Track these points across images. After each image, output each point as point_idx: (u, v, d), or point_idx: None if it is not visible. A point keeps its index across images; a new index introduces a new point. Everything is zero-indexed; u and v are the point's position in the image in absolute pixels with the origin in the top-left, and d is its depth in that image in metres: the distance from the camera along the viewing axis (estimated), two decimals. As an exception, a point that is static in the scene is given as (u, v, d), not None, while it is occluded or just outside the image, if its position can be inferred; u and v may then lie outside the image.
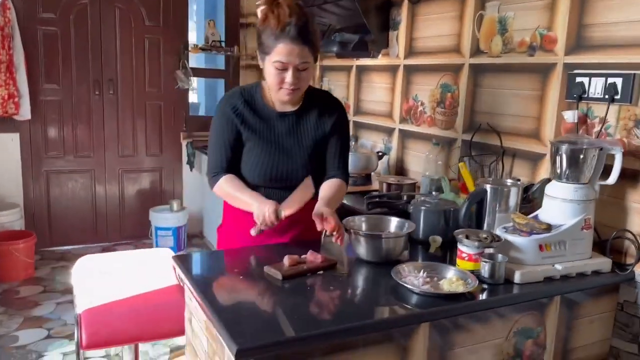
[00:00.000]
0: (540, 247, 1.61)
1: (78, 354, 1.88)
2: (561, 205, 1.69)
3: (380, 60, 3.15)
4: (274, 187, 1.77)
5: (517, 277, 1.54)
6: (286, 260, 1.53)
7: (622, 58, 1.80)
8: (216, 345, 1.33)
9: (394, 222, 1.77)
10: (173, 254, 2.13)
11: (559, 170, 1.73)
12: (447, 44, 2.62)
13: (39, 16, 4.02)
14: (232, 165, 1.76)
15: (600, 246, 1.78)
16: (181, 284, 2.09)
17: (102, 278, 2.11)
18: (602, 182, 1.74)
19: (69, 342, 2.87)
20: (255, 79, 4.85)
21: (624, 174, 1.73)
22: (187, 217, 4.41)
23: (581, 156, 1.68)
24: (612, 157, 1.72)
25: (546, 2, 2.08)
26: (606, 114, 1.83)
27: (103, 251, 4.21)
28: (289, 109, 1.78)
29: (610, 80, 1.81)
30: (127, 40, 4.33)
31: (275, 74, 1.63)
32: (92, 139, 4.34)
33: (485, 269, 1.51)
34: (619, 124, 1.81)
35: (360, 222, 1.76)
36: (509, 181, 1.92)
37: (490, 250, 1.54)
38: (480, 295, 1.47)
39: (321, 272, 1.53)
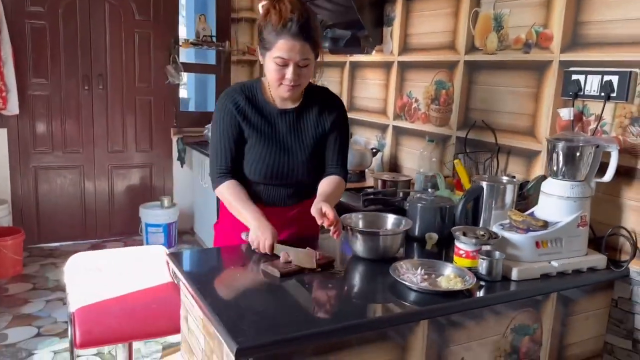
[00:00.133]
0: (537, 244, 1.61)
1: (72, 353, 1.85)
2: (557, 202, 1.70)
3: (374, 57, 3.14)
4: (274, 184, 1.76)
5: (514, 274, 1.55)
6: (282, 257, 1.53)
7: (618, 56, 1.80)
8: (214, 343, 1.32)
9: (390, 219, 1.76)
10: (166, 251, 2.11)
11: (555, 168, 1.73)
12: (442, 41, 2.61)
13: (26, 9, 3.95)
14: (236, 163, 1.74)
15: (595, 243, 1.79)
16: (175, 282, 2.07)
17: (95, 276, 2.08)
18: (598, 180, 1.75)
19: (59, 340, 2.84)
20: (246, 74, 4.82)
21: (619, 171, 1.74)
22: (178, 214, 4.38)
23: (577, 153, 1.69)
24: (608, 154, 1.73)
25: (542, -1, 2.08)
26: (602, 112, 1.83)
27: (92, 248, 4.17)
28: (290, 105, 1.76)
29: (606, 77, 1.81)
30: (116, 34, 4.27)
31: (276, 70, 1.62)
32: (81, 135, 4.29)
33: (482, 266, 1.51)
34: (615, 121, 1.82)
35: (357, 219, 1.75)
36: (505, 178, 1.93)
37: (488, 248, 1.54)
38: (478, 293, 1.47)
39: (319, 269, 1.52)
